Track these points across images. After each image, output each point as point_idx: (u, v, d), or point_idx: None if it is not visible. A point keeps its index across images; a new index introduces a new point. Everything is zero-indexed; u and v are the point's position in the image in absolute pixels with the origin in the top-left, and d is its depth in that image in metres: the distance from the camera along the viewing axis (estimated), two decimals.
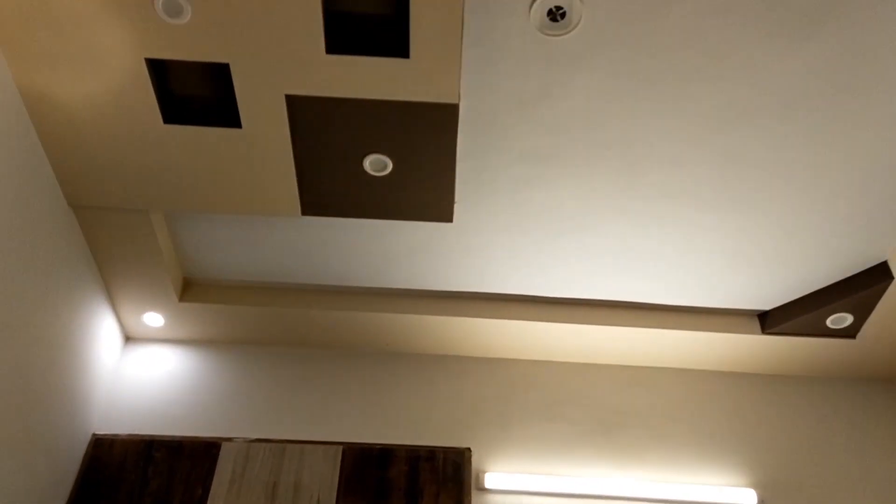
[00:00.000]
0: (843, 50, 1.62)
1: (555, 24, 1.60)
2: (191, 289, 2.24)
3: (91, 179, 1.84)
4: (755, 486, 2.16)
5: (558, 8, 1.57)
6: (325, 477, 2.09)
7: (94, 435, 2.14)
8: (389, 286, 2.22)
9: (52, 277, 1.90)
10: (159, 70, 1.66)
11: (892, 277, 2.04)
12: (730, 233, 2.01)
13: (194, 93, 1.71)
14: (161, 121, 1.71)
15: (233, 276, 2.22)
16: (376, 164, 1.80)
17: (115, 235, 2.01)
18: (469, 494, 2.07)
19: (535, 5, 1.57)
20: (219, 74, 1.67)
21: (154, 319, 2.27)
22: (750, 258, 2.08)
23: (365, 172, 1.82)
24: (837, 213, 1.95)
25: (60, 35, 1.56)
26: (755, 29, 1.59)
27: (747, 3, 1.55)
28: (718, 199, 1.93)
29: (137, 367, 2.29)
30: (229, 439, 2.14)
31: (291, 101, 1.67)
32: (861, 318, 2.16)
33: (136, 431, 2.16)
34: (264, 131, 1.72)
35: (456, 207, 1.98)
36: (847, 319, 2.16)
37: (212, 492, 2.04)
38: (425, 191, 1.85)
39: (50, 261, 1.88)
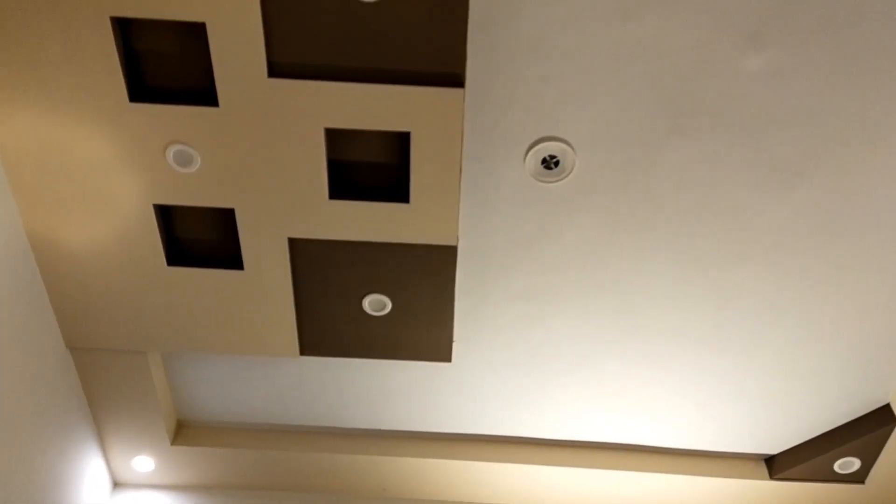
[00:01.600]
0: (831, 196, 1.68)
1: (549, 171, 1.67)
2: (184, 431, 2.20)
3: (91, 321, 1.85)
4: None
5: (552, 157, 1.64)
6: None
7: None
8: (388, 428, 2.18)
9: (44, 418, 1.87)
10: (165, 214, 1.71)
11: None
12: (731, 373, 2.00)
13: (198, 236, 1.75)
14: (164, 263, 1.74)
15: (227, 417, 2.18)
16: (375, 304, 1.82)
17: (110, 377, 1.99)
18: None
19: (529, 154, 1.64)
20: (224, 218, 1.71)
21: (144, 464, 2.21)
22: (753, 400, 2.06)
23: (364, 312, 1.83)
24: (838, 354, 1.95)
25: (72, 182, 1.62)
26: (744, 177, 1.66)
27: (734, 153, 1.62)
28: (718, 340, 1.94)
29: None
30: None
31: (294, 243, 1.71)
32: (869, 462, 2.11)
33: None
34: (266, 273, 1.75)
35: (455, 347, 1.98)
36: (855, 464, 2.11)
37: None
38: (424, 330, 1.86)
39: (43, 402, 1.86)
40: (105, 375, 1.99)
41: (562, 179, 1.68)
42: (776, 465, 2.18)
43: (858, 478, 2.15)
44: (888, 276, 1.80)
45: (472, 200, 1.72)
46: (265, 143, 1.55)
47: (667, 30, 1.47)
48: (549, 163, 1.65)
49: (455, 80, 1.47)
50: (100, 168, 1.60)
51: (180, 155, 1.56)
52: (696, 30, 1.47)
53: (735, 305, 1.87)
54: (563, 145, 1.62)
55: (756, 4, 1.43)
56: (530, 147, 1.63)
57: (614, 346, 1.97)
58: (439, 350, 1.90)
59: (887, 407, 2.04)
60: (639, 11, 1.44)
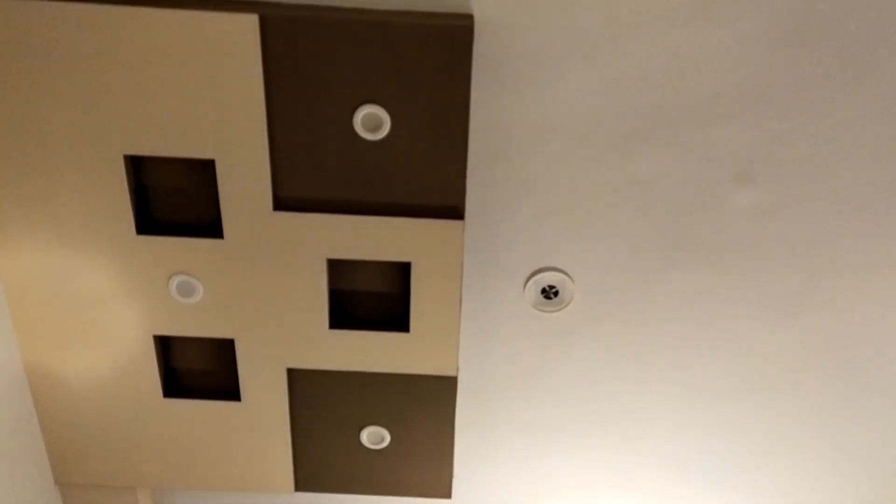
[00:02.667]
0: (827, 329, 1.69)
1: (548, 301, 1.68)
2: None
3: (82, 456, 1.80)
4: None
5: (551, 287, 1.66)
6: None
7: None
8: None
9: None
10: (164, 345, 1.71)
11: None
12: None
13: (196, 366, 1.74)
14: (161, 395, 1.72)
15: None
16: (373, 437, 1.78)
17: None
18: None
19: (528, 284, 1.66)
20: (223, 349, 1.71)
21: None
22: None
23: (362, 446, 1.79)
24: (847, 484, 1.90)
25: (75, 315, 1.62)
26: (741, 310, 1.67)
27: (730, 286, 1.65)
28: (723, 475, 1.89)
29: None
30: None
31: (292, 374, 1.70)
32: None
33: None
34: (263, 405, 1.73)
35: (455, 482, 1.93)
36: None
37: None
38: (423, 465, 1.81)
39: None
40: None
41: (561, 309, 1.69)
42: None
43: None
44: (889, 406, 1.78)
45: (472, 331, 1.73)
46: (268, 274, 1.57)
47: (659, 166, 1.52)
48: (549, 293, 1.67)
49: (455, 212, 1.51)
50: (103, 300, 1.60)
51: (183, 286, 1.58)
52: (688, 167, 1.53)
53: (739, 436, 1.84)
54: (562, 276, 1.65)
55: (742, 143, 1.49)
56: (529, 277, 1.66)
57: (619, 480, 1.92)
58: (439, 486, 1.84)
59: None
60: (632, 148, 1.50)
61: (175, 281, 1.57)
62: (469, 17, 1.36)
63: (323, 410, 1.75)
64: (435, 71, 1.37)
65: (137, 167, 1.51)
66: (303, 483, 1.84)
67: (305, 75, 1.38)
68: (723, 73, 1.42)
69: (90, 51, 1.35)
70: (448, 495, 1.85)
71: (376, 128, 1.43)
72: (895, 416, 1.80)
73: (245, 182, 1.47)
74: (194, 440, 1.78)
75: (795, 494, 1.92)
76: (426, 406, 1.73)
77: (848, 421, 1.81)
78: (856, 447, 1.85)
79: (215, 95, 1.39)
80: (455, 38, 1.35)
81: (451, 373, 1.68)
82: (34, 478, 1.79)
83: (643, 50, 1.40)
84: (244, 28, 1.34)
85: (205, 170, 1.50)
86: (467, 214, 1.59)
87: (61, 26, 1.33)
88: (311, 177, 1.48)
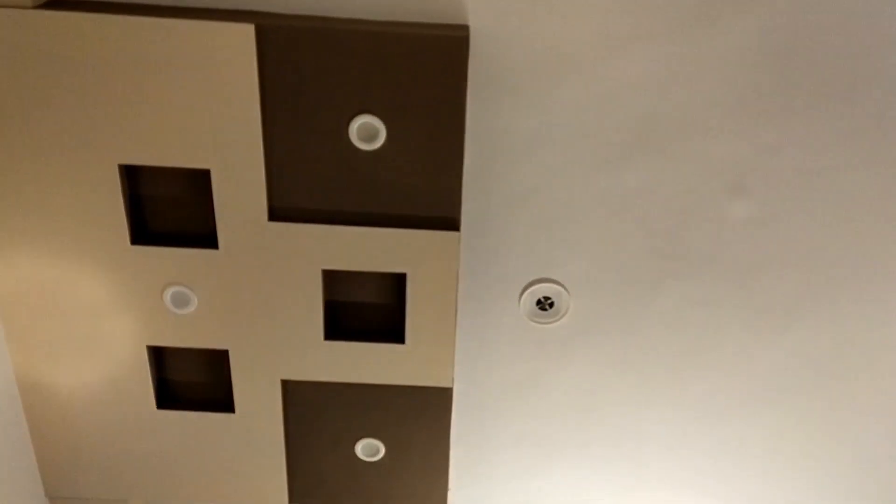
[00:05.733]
0: (823, 339, 1.69)
1: (543, 312, 1.68)
2: None
3: (73, 469, 1.78)
4: None
5: (546, 298, 1.66)
6: None
7: None
8: None
9: None
10: (158, 356, 1.70)
11: None
12: None
13: (190, 378, 1.73)
14: (154, 406, 1.70)
15: None
16: (368, 449, 1.77)
17: None
18: None
19: (524, 295, 1.66)
20: (217, 360, 1.70)
21: None
22: None
23: (356, 458, 1.78)
24: (849, 496, 1.89)
25: (68, 326, 1.61)
26: (737, 320, 1.67)
27: (726, 297, 1.65)
28: (721, 490, 1.89)
29: None
30: None
31: (287, 385, 1.69)
32: None
33: None
34: (257, 416, 1.72)
35: (450, 495, 1.92)
36: None
37: None
38: (419, 477, 1.80)
39: None
40: None
41: (557, 320, 1.69)
42: None
43: None
44: (886, 417, 1.78)
45: (468, 342, 1.73)
46: (263, 285, 1.56)
47: (654, 177, 1.53)
48: (545, 304, 1.67)
49: (451, 223, 1.51)
50: (97, 311, 1.60)
51: (178, 296, 1.57)
52: (683, 178, 1.53)
53: (736, 451, 1.83)
54: (558, 287, 1.65)
55: (736, 154, 1.50)
56: (525, 288, 1.66)
57: (616, 496, 1.91)
58: (434, 498, 1.83)
59: None
60: (626, 160, 1.51)
61: (169, 292, 1.57)
62: (465, 28, 1.37)
63: (317, 422, 1.74)
64: (431, 81, 1.38)
65: (132, 177, 1.50)
66: (297, 496, 1.83)
67: (301, 85, 1.38)
68: (716, 86, 1.43)
69: (84, 59, 1.35)
70: None
71: (372, 138, 1.43)
72: (892, 426, 1.80)
73: (240, 192, 1.47)
74: (187, 452, 1.77)
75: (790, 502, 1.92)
76: (422, 418, 1.73)
77: (846, 432, 1.81)
78: (854, 458, 1.85)
79: (211, 105, 1.39)
80: (451, 48, 1.35)
81: (446, 384, 1.67)
82: (25, 491, 1.77)
83: (637, 62, 1.41)
84: (240, 38, 1.34)
85: (200, 180, 1.50)
86: (463, 225, 1.59)
87: (55, 35, 1.33)
88: (306, 187, 1.48)
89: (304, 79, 1.38)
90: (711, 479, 1.87)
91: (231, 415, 1.72)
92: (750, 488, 1.88)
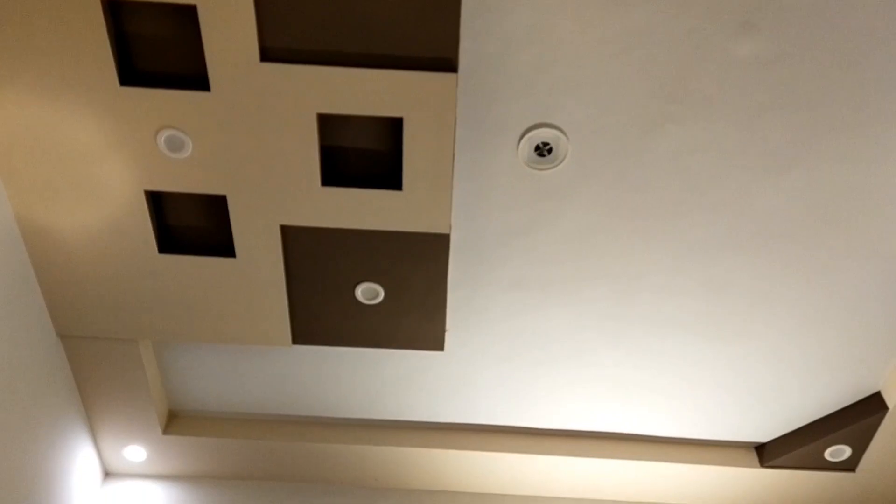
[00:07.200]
0: (821, 183, 1.68)
1: (542, 158, 1.66)
2: (175, 421, 2.19)
3: (82, 309, 1.84)
4: None
5: (545, 143, 1.64)
6: None
7: None
8: (379, 417, 2.18)
9: (35, 407, 1.86)
10: (157, 201, 1.70)
11: (887, 408, 2.02)
12: (722, 363, 2.01)
13: (190, 223, 1.74)
14: (156, 251, 1.73)
15: (219, 407, 2.18)
16: (368, 293, 1.81)
17: (101, 365, 1.98)
18: None
19: (523, 141, 1.64)
20: (215, 205, 1.71)
21: (136, 453, 2.20)
22: (743, 388, 2.06)
23: (356, 301, 1.82)
24: (829, 342, 1.95)
25: (63, 168, 1.61)
26: (737, 163, 1.66)
27: (728, 140, 1.62)
28: (710, 329, 1.94)
29: None
30: None
31: (286, 231, 1.70)
32: (859, 450, 2.12)
33: None
34: (258, 261, 1.74)
35: (448, 336, 1.98)
36: (845, 452, 2.12)
37: None
38: (417, 319, 1.85)
39: (34, 391, 1.85)
40: (96, 364, 1.98)
41: (555, 167, 1.67)
42: (767, 453, 2.18)
43: (849, 465, 2.16)
44: (880, 263, 1.81)
45: (465, 189, 1.72)
46: (257, 129, 1.54)
47: (659, 17, 1.47)
48: (543, 150, 1.65)
49: (448, 65, 1.47)
50: (90, 153, 1.58)
51: (172, 140, 1.56)
52: (689, 17, 1.47)
53: (727, 293, 1.87)
54: (557, 132, 1.62)
55: None
56: (523, 134, 1.63)
57: (607, 336, 1.97)
58: (432, 339, 1.89)
59: (878, 395, 2.05)
60: None
61: (163, 135, 1.55)
62: None
63: (318, 267, 1.77)
64: None
65: (116, 13, 1.45)
66: (300, 336, 1.89)
67: None
68: None
69: None
70: (441, 348, 1.90)
71: None
72: (889, 272, 1.82)
73: (229, 31, 1.42)
74: (192, 295, 1.81)
75: (779, 348, 1.98)
76: (420, 263, 1.75)
77: (834, 275, 1.84)
78: (841, 302, 1.89)
79: None
80: None
81: (443, 230, 1.69)
82: (35, 330, 1.83)
83: None
84: None
85: (187, 17, 1.44)
86: (460, 68, 1.54)
87: None
88: (298, 26, 1.43)
89: None
90: (699, 317, 1.92)
91: (232, 259, 1.75)
92: (736, 326, 1.93)
